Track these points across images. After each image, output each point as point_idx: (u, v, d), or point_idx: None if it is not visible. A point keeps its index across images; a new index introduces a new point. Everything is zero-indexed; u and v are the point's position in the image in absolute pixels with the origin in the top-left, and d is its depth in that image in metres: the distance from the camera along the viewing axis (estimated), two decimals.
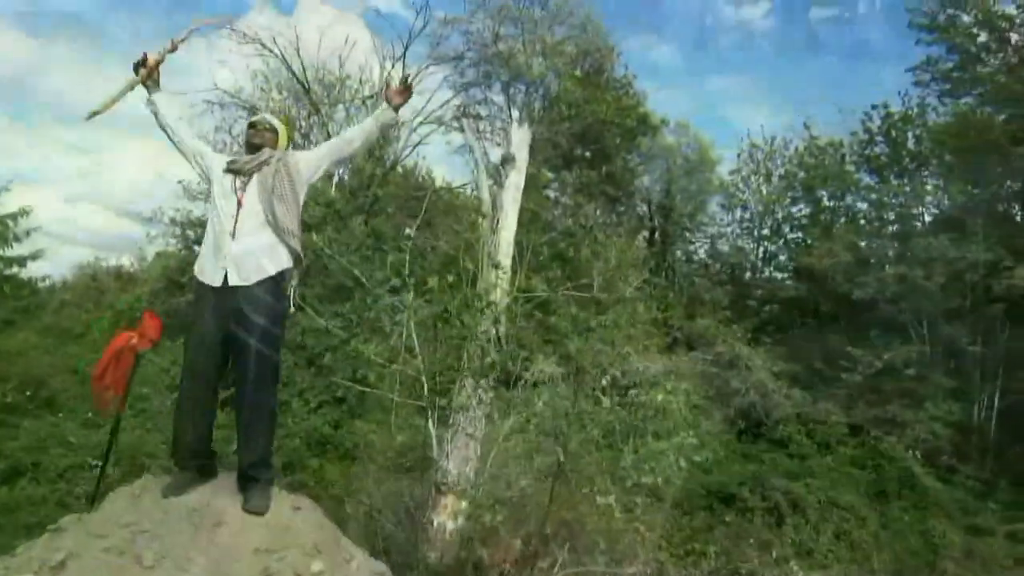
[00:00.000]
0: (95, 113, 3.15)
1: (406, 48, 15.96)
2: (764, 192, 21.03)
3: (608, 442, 12.47)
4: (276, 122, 3.47)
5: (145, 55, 3.34)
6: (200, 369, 3.05)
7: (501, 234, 6.99)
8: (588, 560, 5.69)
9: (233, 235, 3.03)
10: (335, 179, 15.29)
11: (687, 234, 21.83)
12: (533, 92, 18.20)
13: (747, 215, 21.49)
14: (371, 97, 16.05)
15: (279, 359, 3.17)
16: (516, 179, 7.19)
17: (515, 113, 18.38)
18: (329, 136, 17.21)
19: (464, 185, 17.77)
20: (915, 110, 17.92)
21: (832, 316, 17.51)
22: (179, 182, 18.20)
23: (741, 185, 21.40)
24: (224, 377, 3.15)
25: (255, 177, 3.16)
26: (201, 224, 17.55)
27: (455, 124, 18.79)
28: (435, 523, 6.44)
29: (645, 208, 20.79)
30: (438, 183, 19.02)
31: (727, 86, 44.43)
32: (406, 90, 3.47)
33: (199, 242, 13.76)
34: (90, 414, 12.20)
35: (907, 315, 15.96)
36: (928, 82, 17.30)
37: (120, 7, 51.13)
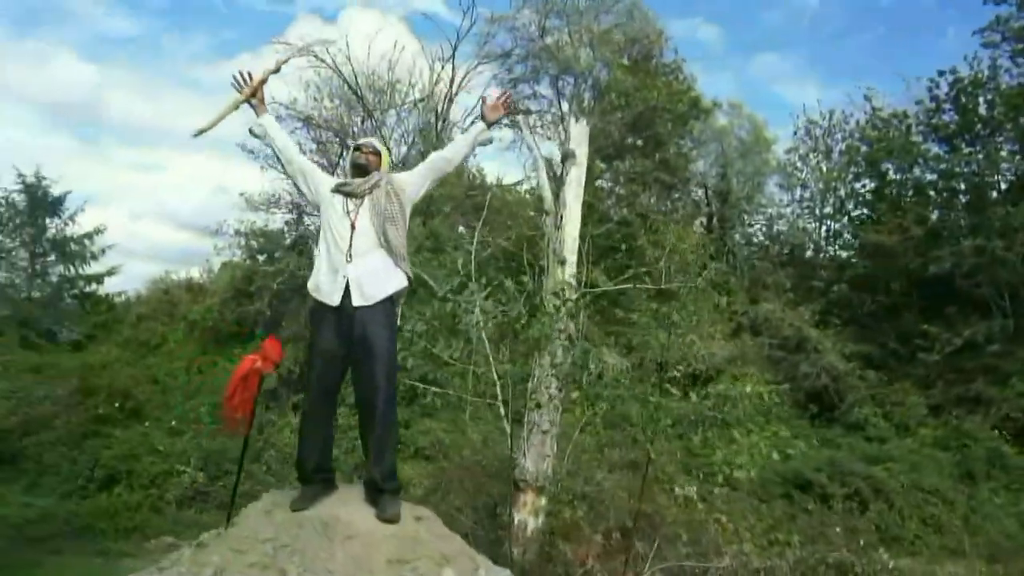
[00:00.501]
0: (201, 131, 3.26)
1: (455, 49, 16.08)
2: (824, 169, 20.39)
3: (678, 432, 12.38)
4: (379, 144, 3.54)
5: (248, 74, 3.39)
6: (326, 386, 3.16)
7: (565, 230, 6.98)
8: (671, 553, 5.65)
9: (349, 257, 3.11)
10: None
11: (745, 217, 21.33)
12: (582, 84, 18.11)
13: (807, 194, 20.89)
14: (422, 100, 16.27)
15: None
16: (577, 174, 7.18)
17: (565, 106, 18.36)
18: (384, 141, 17.52)
19: (519, 182, 17.82)
20: (985, 73, 17.05)
21: (904, 294, 16.85)
22: (241, 195, 18.79)
23: (799, 164, 20.81)
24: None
25: (367, 200, 3.23)
26: (264, 234, 18.13)
27: (505, 121, 18.88)
28: (516, 520, 6.49)
29: (701, 193, 20.41)
30: (490, 180, 19.15)
31: (773, 63, 43.30)
32: (502, 106, 3.53)
33: (263, 251, 14.11)
34: (173, 423, 12.81)
35: (986, 289, 15.26)
36: (999, 43, 16.43)
37: (173, 28, 53.04)
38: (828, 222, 20.67)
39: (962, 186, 17.53)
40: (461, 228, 16.76)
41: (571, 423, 7.88)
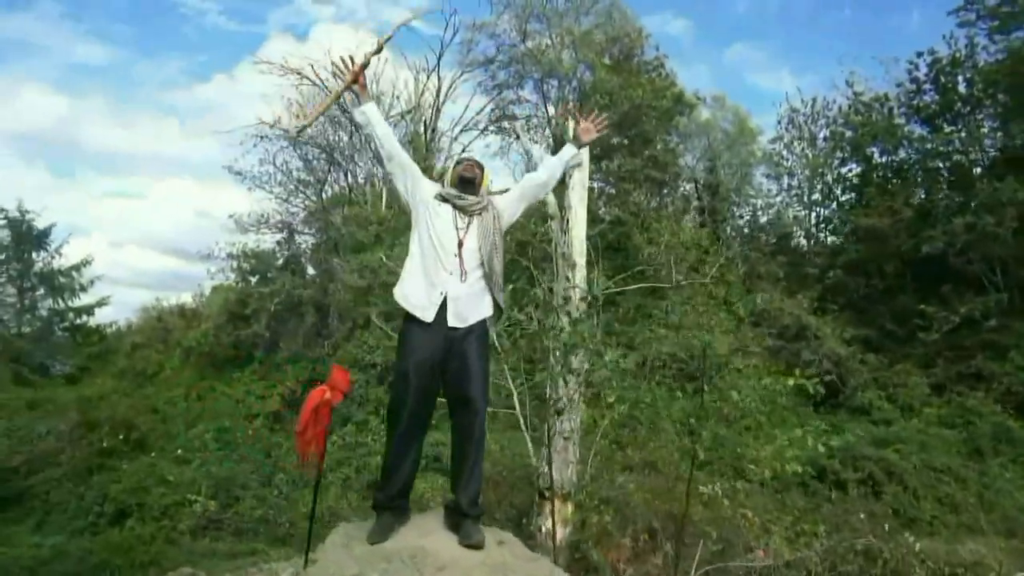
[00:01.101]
0: (303, 128, 3.20)
1: (439, 58, 16.09)
2: (810, 156, 20.53)
3: (688, 429, 12.36)
4: (479, 160, 3.41)
5: (350, 58, 3.23)
6: (421, 404, 3.01)
7: (573, 233, 6.97)
8: (705, 552, 5.62)
9: (458, 275, 3.01)
10: (384, 196, 15.50)
11: (735, 209, 21.44)
12: (567, 86, 18.19)
13: (795, 182, 21.02)
14: (409, 111, 16.26)
15: None
16: (581, 177, 7.17)
17: (551, 109, 18.40)
18: (371, 152, 17.45)
19: (507, 189, 17.82)
20: (963, 52, 17.24)
21: (898, 275, 16.96)
22: (230, 216, 18.70)
23: (785, 152, 20.94)
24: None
25: (476, 220, 3.13)
26: (256, 256, 17.99)
27: (492, 128, 18.93)
28: (543, 529, 6.43)
29: (691, 188, 20.50)
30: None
31: (746, 53, 43.75)
32: (595, 128, 3.45)
33: (254, 273, 13.93)
34: (179, 451, 12.64)
35: (978, 265, 15.41)
36: (974, 21, 16.63)
37: (144, 55, 52.68)
38: (818, 209, 20.81)
39: (947, 165, 17.71)
40: None
41: (589, 428, 7.86)
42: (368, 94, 3.28)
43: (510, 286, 6.73)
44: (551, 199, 7.89)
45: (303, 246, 19.00)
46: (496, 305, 3.17)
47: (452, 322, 2.96)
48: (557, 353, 6.45)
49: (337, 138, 17.69)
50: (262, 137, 16.76)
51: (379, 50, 3.29)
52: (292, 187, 19.25)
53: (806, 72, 44.15)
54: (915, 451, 11.62)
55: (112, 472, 11.01)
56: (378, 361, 13.51)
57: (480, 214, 3.14)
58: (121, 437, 12.03)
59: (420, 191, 3.22)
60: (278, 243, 18.72)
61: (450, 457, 3.11)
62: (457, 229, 3.08)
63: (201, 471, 11.22)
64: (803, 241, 20.91)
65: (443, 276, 3.00)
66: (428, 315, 2.97)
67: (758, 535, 6.69)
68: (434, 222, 3.10)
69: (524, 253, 9.83)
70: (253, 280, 18.61)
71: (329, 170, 17.88)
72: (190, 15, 49.34)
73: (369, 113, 3.27)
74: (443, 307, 2.98)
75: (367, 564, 2.69)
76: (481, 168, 3.29)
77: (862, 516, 7.86)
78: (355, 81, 3.20)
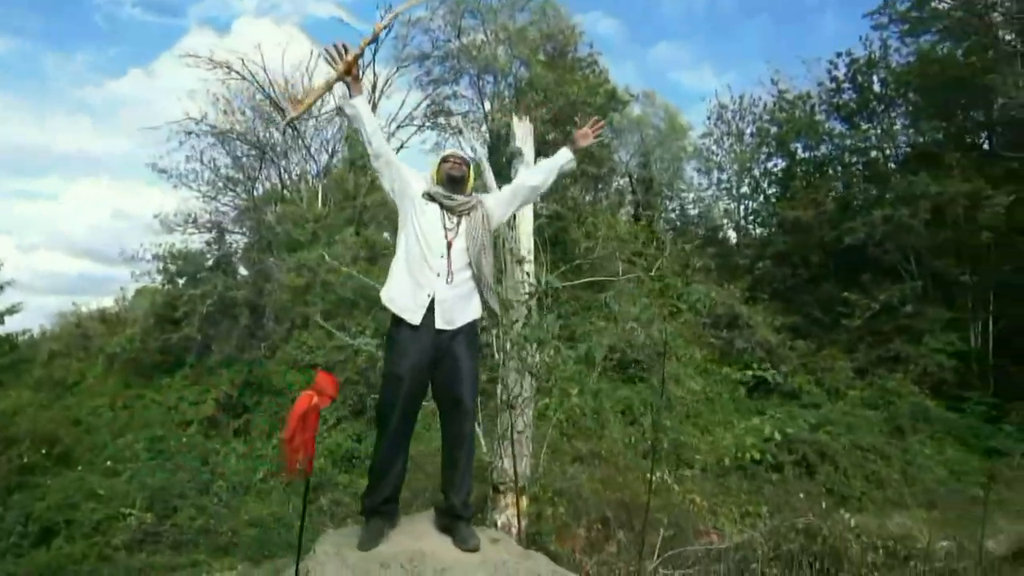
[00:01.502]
0: (294, 119, 3.00)
1: (375, 53, 15.82)
2: (738, 151, 21.27)
3: (630, 419, 12.63)
4: (465, 155, 3.29)
5: (343, 46, 3.04)
6: (409, 407, 2.94)
7: (520, 228, 6.98)
8: (660, 538, 5.76)
9: (443, 277, 2.93)
10: (320, 193, 15.14)
11: (667, 203, 22.00)
12: (502, 82, 18.21)
13: (724, 176, 21.74)
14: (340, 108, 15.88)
15: None
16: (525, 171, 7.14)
17: (487, 105, 18.40)
18: (308, 149, 17.07)
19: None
20: (877, 54, 18.20)
21: (822, 265, 17.79)
22: (155, 216, 17.91)
23: (714, 148, 21.63)
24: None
25: (464, 220, 3.04)
26: (184, 257, 17.28)
27: (428, 124, 18.77)
28: (499, 524, 6.43)
29: (626, 182, 20.90)
30: None
31: (671, 52, 45.09)
32: (592, 134, 3.43)
33: (182, 274, 13.40)
34: (107, 463, 12.04)
35: (894, 255, 16.31)
36: (887, 25, 17.57)
37: (51, 49, 49.79)
38: (746, 202, 21.59)
39: (864, 160, 18.67)
40: (386, 235, 16.56)
41: (539, 420, 7.90)
42: (359, 87, 3.13)
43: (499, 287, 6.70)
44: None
45: (234, 246, 18.38)
46: (486, 306, 3.11)
47: (440, 324, 2.91)
48: (508, 347, 6.46)
49: (268, 134, 17.17)
50: (189, 133, 16.11)
51: (375, 39, 3.22)
52: (220, 185, 18.57)
53: (727, 71, 45.85)
54: (843, 432, 12.24)
55: (35, 489, 10.37)
56: (319, 362, 13.22)
57: (469, 213, 3.08)
58: (43, 452, 11.36)
59: (408, 189, 3.12)
60: (207, 243, 18.03)
61: (441, 460, 3.05)
62: (445, 229, 3.02)
63: (133, 483, 10.72)
64: (732, 233, 21.66)
65: (430, 277, 2.94)
66: (415, 318, 2.91)
67: (706, 519, 6.89)
68: (421, 221, 3.02)
69: None
70: (181, 282, 17.87)
71: (260, 167, 17.33)
72: (103, 6, 46.93)
73: (359, 107, 3.11)
74: (431, 309, 2.91)
75: (364, 572, 2.62)
76: (468, 165, 3.20)
77: (801, 496, 8.21)
78: (348, 72, 3.05)
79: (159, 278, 18.28)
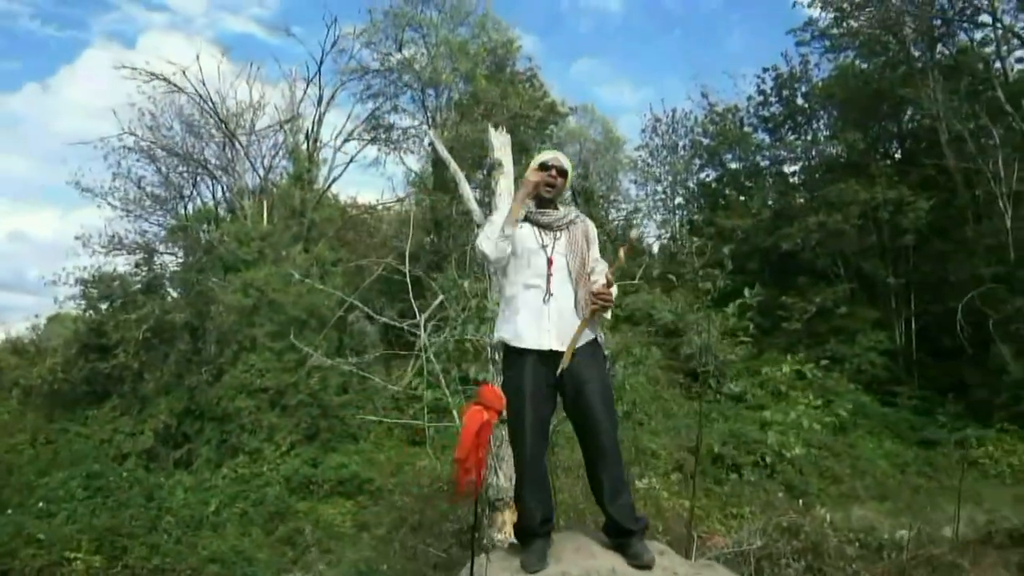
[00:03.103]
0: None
1: (320, 65, 15.44)
2: (672, 163, 21.92)
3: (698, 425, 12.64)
4: (567, 164, 3.02)
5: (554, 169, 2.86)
6: (541, 430, 2.80)
7: None
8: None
9: (547, 297, 2.78)
10: (265, 211, 14.58)
11: (606, 213, 22.41)
12: (442, 95, 18.15)
13: (659, 188, 22.35)
14: (288, 121, 15.42)
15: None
16: (506, 184, 7.09)
17: (430, 119, 18.26)
18: (251, 163, 16.40)
19: (403, 199, 17.42)
20: (799, 69, 19.21)
21: (759, 271, 18.49)
22: (77, 238, 16.79)
23: (650, 160, 22.21)
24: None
25: (564, 235, 2.87)
26: (113, 279, 16.28)
27: (367, 138, 18.45)
28: (495, 541, 6.30)
29: (568, 194, 21.16)
30: (362, 200, 18.60)
31: (590, 67, 46.28)
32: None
33: (105, 298, 12.68)
34: (40, 504, 11.12)
35: (824, 259, 17.17)
36: (809, 41, 18.58)
37: None
38: (679, 212, 22.26)
39: (794, 169, 19.64)
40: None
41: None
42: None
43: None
44: (474, 207, 7.80)
45: (164, 267, 17.44)
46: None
47: (554, 345, 2.75)
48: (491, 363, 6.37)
49: (200, 148, 16.39)
50: (130, 149, 15.21)
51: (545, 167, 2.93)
52: (146, 203, 17.61)
53: (644, 85, 47.35)
54: (791, 432, 12.69)
55: None
56: (269, 385, 12.68)
57: (567, 228, 2.90)
58: None
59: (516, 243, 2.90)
60: (136, 265, 17.02)
61: (589, 481, 2.92)
62: (544, 247, 2.85)
63: (74, 524, 9.95)
64: (669, 242, 22.25)
65: (539, 301, 2.80)
66: (543, 343, 2.76)
67: (695, 523, 6.97)
68: (522, 249, 2.84)
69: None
70: (103, 307, 16.78)
71: (194, 184, 16.56)
72: None
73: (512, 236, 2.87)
74: (543, 330, 2.77)
75: None
76: (565, 174, 2.97)
77: (780, 495, 8.44)
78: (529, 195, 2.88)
79: (80, 303, 17.11)
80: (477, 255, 2.93)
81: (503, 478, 6.51)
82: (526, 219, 2.90)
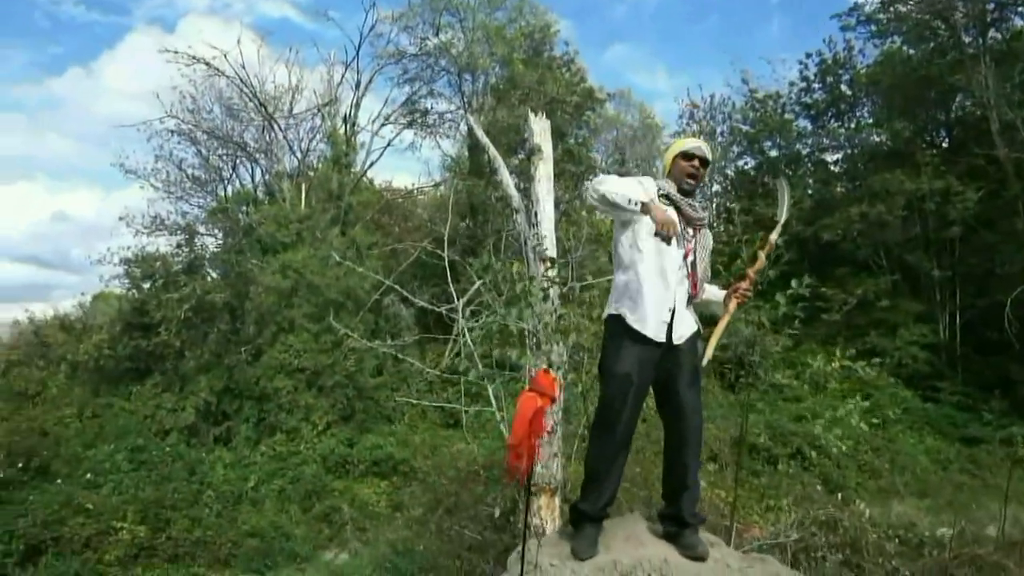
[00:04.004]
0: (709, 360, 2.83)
1: (358, 50, 15.50)
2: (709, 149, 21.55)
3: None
4: (709, 151, 2.98)
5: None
6: (632, 418, 2.79)
7: (543, 226, 6.86)
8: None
9: (678, 291, 2.77)
10: (303, 194, 14.75)
11: None
12: (479, 80, 18.09)
13: None
14: (326, 105, 15.54)
15: None
16: (546, 170, 7.06)
17: (466, 104, 18.22)
18: (289, 146, 16.60)
19: (440, 183, 17.48)
20: (843, 55, 18.71)
21: (798, 261, 18.17)
22: (121, 219, 17.18)
23: None
24: None
25: (701, 235, 2.86)
26: (157, 260, 16.64)
27: (404, 122, 18.50)
28: (533, 527, 6.33)
29: None
30: (399, 185, 18.68)
31: (625, 53, 45.74)
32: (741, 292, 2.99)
33: (147, 278, 12.95)
34: (88, 476, 11.50)
35: (866, 250, 16.78)
36: (854, 26, 18.08)
37: None
38: (717, 200, 21.90)
39: (836, 157, 19.19)
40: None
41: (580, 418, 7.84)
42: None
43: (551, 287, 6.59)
44: (513, 192, 7.78)
45: (205, 248, 17.77)
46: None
47: (674, 340, 2.75)
48: (538, 342, 6.37)
49: (241, 129, 16.61)
50: (172, 132, 15.50)
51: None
52: (187, 185, 17.94)
53: (680, 72, 46.66)
54: (829, 425, 12.49)
55: (14, 506, 9.81)
56: (306, 365, 12.88)
57: (702, 227, 2.91)
58: (19, 466, 10.78)
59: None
60: (177, 245, 17.38)
61: (664, 465, 2.91)
62: (684, 239, 2.82)
63: (120, 496, 10.27)
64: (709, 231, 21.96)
65: (670, 293, 2.76)
66: (660, 335, 2.74)
67: (735, 514, 6.91)
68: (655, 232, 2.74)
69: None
70: (146, 286, 17.19)
71: (234, 166, 16.81)
72: (41, 3, 44.84)
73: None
74: (668, 325, 2.75)
75: None
76: (707, 165, 2.94)
77: (819, 488, 8.33)
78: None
79: (126, 283, 17.54)
80: (592, 192, 2.78)
81: (539, 463, 6.53)
82: (672, 203, 2.82)
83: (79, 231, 42.70)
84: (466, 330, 6.81)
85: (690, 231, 2.85)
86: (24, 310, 22.84)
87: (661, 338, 2.72)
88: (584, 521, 2.80)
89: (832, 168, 19.09)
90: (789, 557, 6.34)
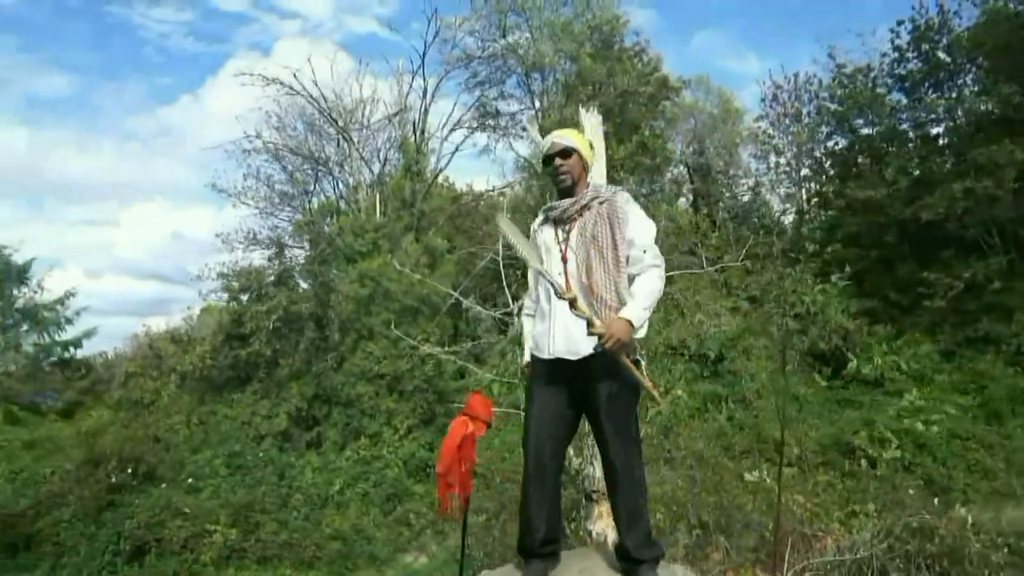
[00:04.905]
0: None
1: (423, 57, 15.78)
2: (796, 132, 20.49)
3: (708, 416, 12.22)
4: (570, 139, 2.72)
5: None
6: (548, 449, 2.63)
7: None
8: (788, 546, 5.43)
9: (554, 299, 2.56)
10: (378, 203, 15.17)
11: (724, 191, 21.38)
12: (549, 78, 17.98)
13: (782, 160, 20.96)
14: (396, 114, 15.93)
15: (638, 431, 2.75)
16: (598, 167, 6.85)
17: (536, 103, 18.18)
18: (362, 158, 17.13)
19: (509, 185, 17.56)
20: (936, 19, 17.25)
21: (897, 244, 16.95)
22: (217, 235, 18.29)
23: (771, 130, 20.87)
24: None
25: (575, 225, 2.62)
26: (251, 273, 17.60)
27: (475, 126, 18.67)
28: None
29: (683, 171, 20.38)
30: (477, 188, 18.85)
31: (711, 39, 44.21)
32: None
33: (244, 290, 13.63)
34: (189, 480, 12.27)
35: (975, 229, 15.41)
36: None
37: (104, 82, 51.72)
38: (807, 184, 20.79)
39: (937, 132, 17.74)
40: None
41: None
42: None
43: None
44: None
45: (294, 260, 18.64)
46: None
47: (563, 354, 2.53)
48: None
49: (321, 145, 17.31)
50: (248, 151, 16.39)
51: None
52: (276, 200, 18.89)
53: (770, 55, 44.66)
54: (936, 420, 11.56)
55: (123, 508, 10.61)
56: (386, 371, 13.21)
57: (581, 215, 2.64)
58: (129, 471, 11.63)
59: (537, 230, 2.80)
60: (268, 259, 18.33)
61: (608, 496, 2.76)
62: (559, 243, 2.63)
63: (216, 499, 10.88)
64: (795, 218, 20.88)
65: (551, 304, 2.59)
66: (545, 351, 2.59)
67: (810, 520, 6.51)
68: (543, 249, 2.69)
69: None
70: (244, 298, 18.22)
71: (316, 180, 17.52)
72: (150, 38, 48.49)
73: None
74: (556, 337, 2.56)
75: None
76: (568, 153, 2.68)
77: (911, 492, 7.72)
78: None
79: (223, 296, 18.67)
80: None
81: (597, 469, 6.37)
82: (545, 219, 2.72)
83: (195, 249, 46.04)
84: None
85: (563, 232, 2.65)
86: (142, 324, 24.74)
87: (546, 354, 2.54)
88: (529, 557, 2.68)
89: (932, 143, 17.65)
90: (875, 569, 5.89)
